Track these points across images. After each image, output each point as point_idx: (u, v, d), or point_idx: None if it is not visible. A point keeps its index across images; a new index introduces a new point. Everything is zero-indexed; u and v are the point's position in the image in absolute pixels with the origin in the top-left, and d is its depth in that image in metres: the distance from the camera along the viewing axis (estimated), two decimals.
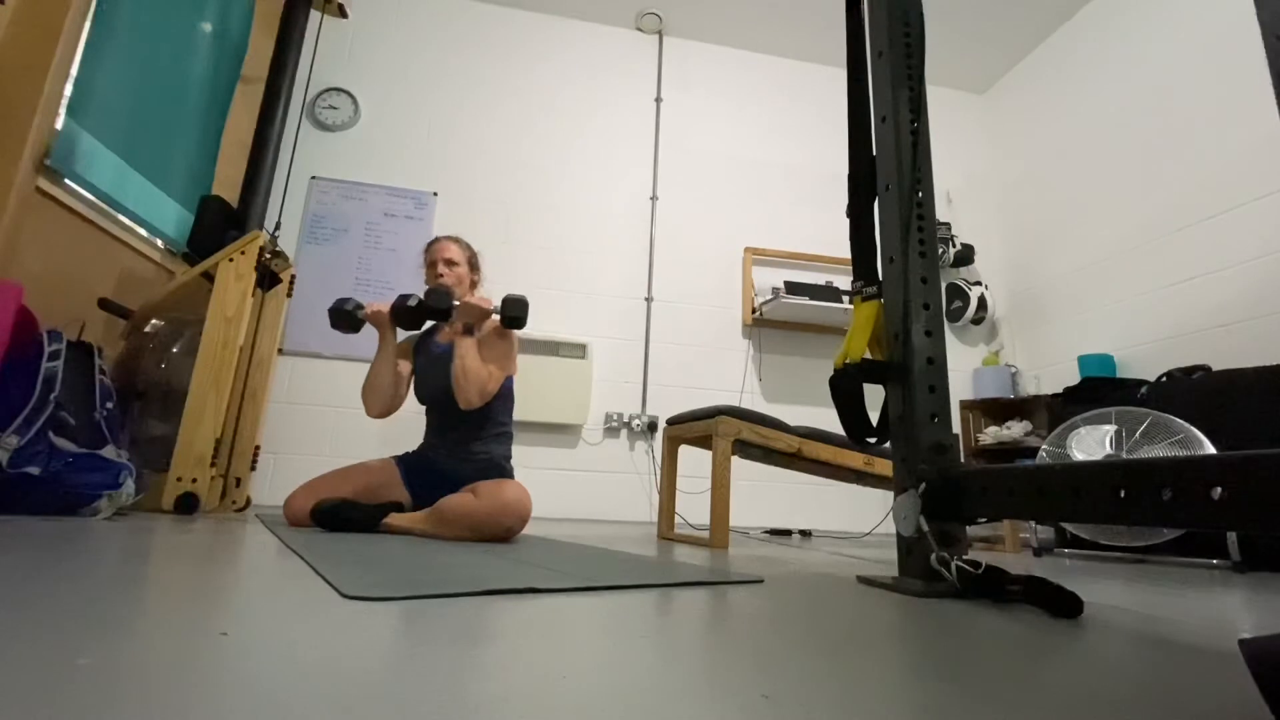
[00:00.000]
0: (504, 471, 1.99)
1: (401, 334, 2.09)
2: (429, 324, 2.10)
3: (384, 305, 2.00)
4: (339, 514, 1.74)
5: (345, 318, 1.99)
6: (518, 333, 2.04)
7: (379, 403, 2.01)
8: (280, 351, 2.95)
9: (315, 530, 1.72)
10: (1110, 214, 3.41)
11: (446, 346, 2.02)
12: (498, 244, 3.52)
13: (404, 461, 2.02)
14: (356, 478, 1.93)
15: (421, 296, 1.94)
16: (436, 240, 2.14)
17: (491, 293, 2.09)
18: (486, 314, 1.92)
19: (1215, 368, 2.49)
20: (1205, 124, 2.96)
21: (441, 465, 1.97)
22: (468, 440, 1.98)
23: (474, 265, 2.16)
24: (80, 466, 1.66)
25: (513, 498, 1.73)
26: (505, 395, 2.04)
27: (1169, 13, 3.21)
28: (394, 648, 0.54)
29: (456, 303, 1.92)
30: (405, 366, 2.08)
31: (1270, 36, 0.84)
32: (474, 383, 1.87)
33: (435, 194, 3.59)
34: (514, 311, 1.93)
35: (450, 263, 2.08)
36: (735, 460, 2.21)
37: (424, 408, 2.08)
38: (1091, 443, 2.16)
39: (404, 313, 1.95)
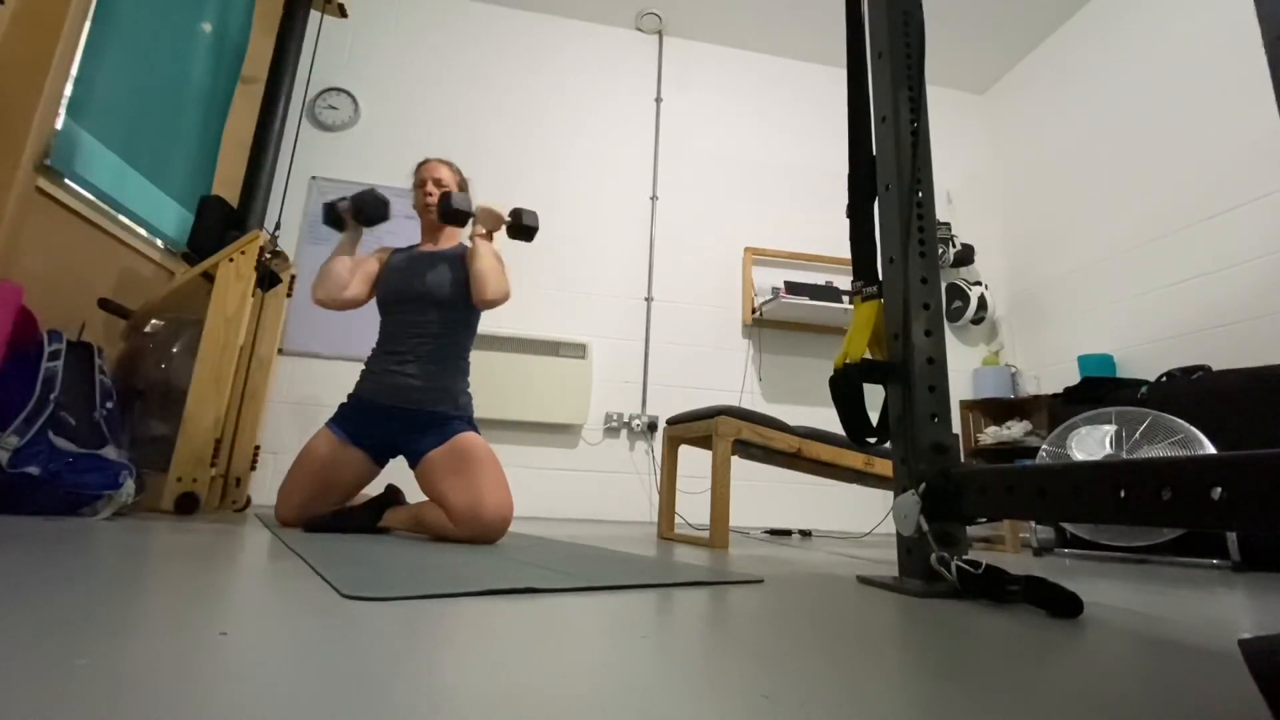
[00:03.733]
0: (458, 407, 1.88)
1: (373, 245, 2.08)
2: (408, 245, 2.11)
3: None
4: (334, 527, 1.73)
5: (374, 206, 2.01)
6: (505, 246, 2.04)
7: (331, 288, 1.95)
8: (280, 351, 2.95)
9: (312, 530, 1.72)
10: (1110, 214, 3.41)
11: (429, 252, 2.00)
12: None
13: (338, 423, 1.89)
14: (312, 467, 1.82)
15: (446, 199, 1.97)
16: (427, 161, 2.12)
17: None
18: (501, 220, 1.96)
19: (1215, 368, 2.49)
20: (1205, 124, 2.96)
21: (386, 399, 1.86)
22: (431, 355, 1.89)
23: (463, 189, 2.14)
24: (80, 466, 1.66)
25: (489, 520, 1.62)
26: (472, 326, 2.00)
27: (1169, 13, 3.22)
28: (393, 647, 0.54)
29: (476, 210, 1.96)
30: (372, 265, 2.04)
31: (1270, 36, 0.84)
32: (493, 280, 1.89)
33: None
34: (527, 221, 1.98)
35: (439, 183, 2.06)
36: (735, 460, 2.21)
37: (384, 318, 1.98)
38: (1091, 443, 2.16)
39: (364, 207, 1.98)
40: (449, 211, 1.94)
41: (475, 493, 1.65)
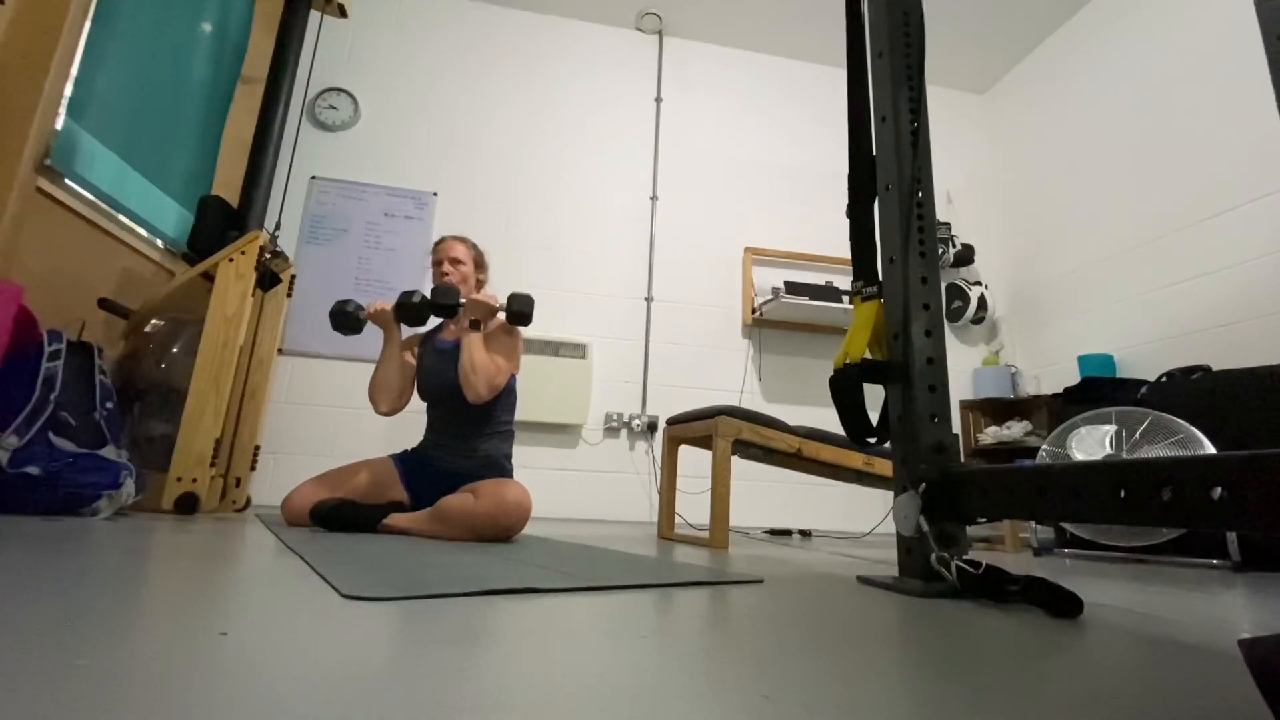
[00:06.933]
0: (503, 470, 1.99)
1: (405, 331, 2.12)
2: (433, 323, 2.12)
3: (386, 304, 2.03)
4: (338, 515, 1.74)
5: (347, 319, 2.01)
6: (522, 330, 2.07)
7: (388, 400, 2.03)
8: (280, 351, 2.95)
9: (314, 530, 1.72)
10: (1110, 214, 3.41)
11: (450, 343, 2.04)
12: (498, 244, 3.51)
13: (402, 460, 2.02)
14: (355, 478, 1.93)
15: (426, 294, 1.99)
16: (443, 240, 2.16)
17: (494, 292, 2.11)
18: (493, 310, 1.96)
19: (1215, 368, 2.49)
20: (1205, 124, 2.96)
21: (441, 463, 1.98)
22: (469, 437, 1.99)
23: (480, 264, 2.18)
24: (80, 466, 1.66)
25: (513, 499, 1.72)
26: (508, 392, 2.04)
27: (1169, 12, 3.21)
28: (393, 647, 0.54)
29: (463, 300, 1.96)
30: (410, 360, 2.10)
31: (1270, 36, 0.84)
32: (483, 375, 1.88)
33: (435, 194, 3.59)
34: (520, 307, 1.96)
35: (456, 261, 2.10)
36: (735, 460, 2.21)
37: (426, 405, 2.09)
38: (1091, 443, 2.15)
39: (409, 309, 1.98)
40: (434, 306, 1.96)
41: (502, 485, 1.78)
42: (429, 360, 2.08)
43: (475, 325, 1.94)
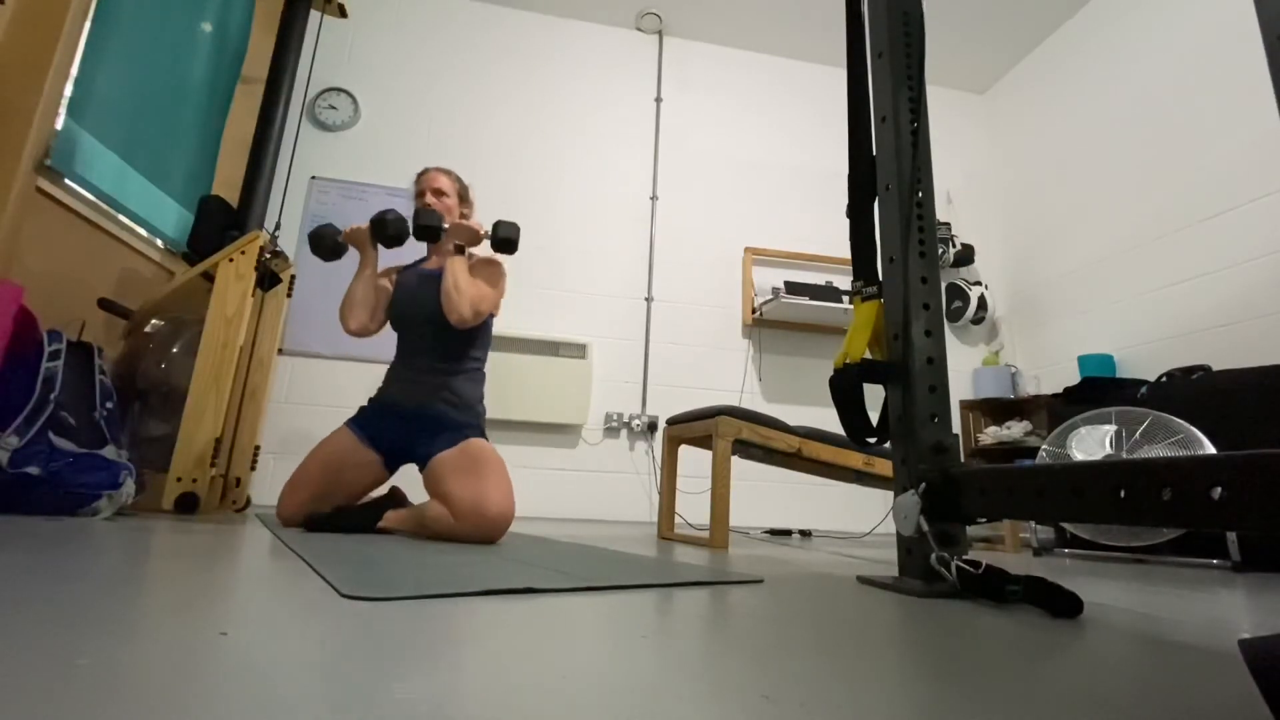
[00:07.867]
0: (475, 417, 1.92)
1: (384, 264, 2.08)
2: (415, 255, 2.08)
3: (365, 225, 2.01)
4: (334, 525, 1.73)
5: (324, 242, 1.98)
6: (506, 258, 2.03)
7: (358, 316, 1.98)
8: (280, 351, 2.95)
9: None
10: (1110, 214, 3.41)
11: (431, 271, 2.00)
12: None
13: (359, 423, 1.93)
14: (326, 462, 1.86)
15: (409, 217, 1.97)
16: (426, 171, 2.11)
17: None
18: (477, 236, 1.94)
19: (1215, 368, 2.49)
20: (1205, 123, 2.96)
21: (408, 400, 1.91)
22: (439, 370, 1.92)
23: (464, 198, 2.14)
24: (80, 466, 1.66)
25: (492, 516, 1.62)
26: (485, 329, 2.00)
27: (1169, 12, 3.22)
28: (393, 647, 0.54)
29: (446, 224, 1.93)
30: (386, 285, 2.05)
31: (1270, 36, 0.84)
32: (466, 296, 1.84)
33: None
34: (506, 234, 1.94)
35: (439, 193, 2.05)
36: (735, 460, 2.21)
37: (399, 332, 2.03)
38: (1091, 443, 2.16)
39: (384, 226, 1.94)
40: (417, 228, 1.93)
41: (481, 489, 1.67)
42: (406, 285, 2.02)
43: (460, 251, 1.91)
